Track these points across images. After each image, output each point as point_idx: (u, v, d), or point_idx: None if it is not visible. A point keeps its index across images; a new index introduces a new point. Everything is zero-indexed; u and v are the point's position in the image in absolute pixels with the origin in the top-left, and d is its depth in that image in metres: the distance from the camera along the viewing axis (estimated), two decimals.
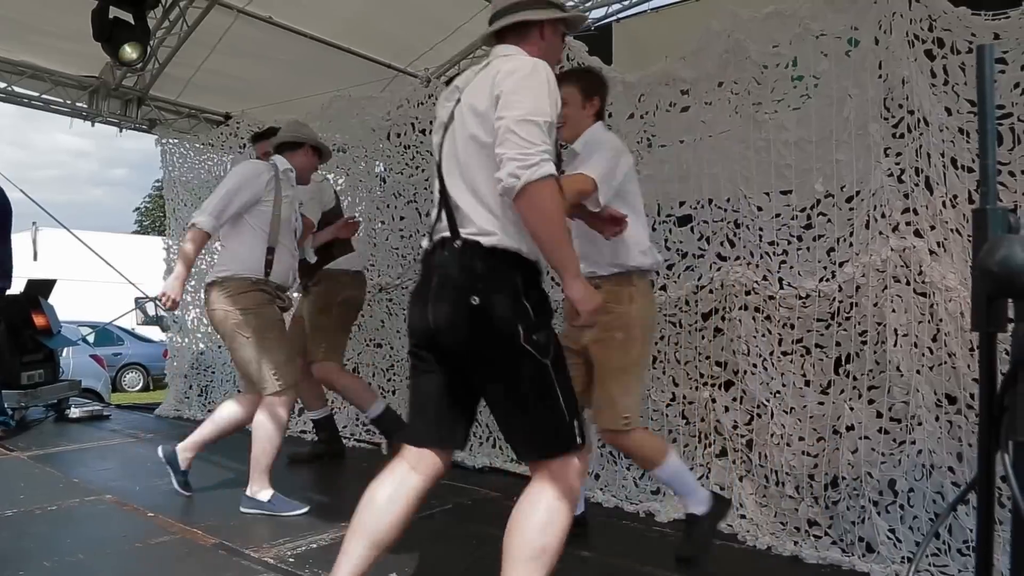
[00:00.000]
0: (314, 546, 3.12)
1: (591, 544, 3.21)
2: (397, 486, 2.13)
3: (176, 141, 6.99)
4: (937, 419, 2.91)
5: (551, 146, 1.98)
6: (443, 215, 2.12)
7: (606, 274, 2.89)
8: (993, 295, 1.18)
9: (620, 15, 6.91)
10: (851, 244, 3.13)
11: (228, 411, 3.85)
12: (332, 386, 4.74)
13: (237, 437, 5.32)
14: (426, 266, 2.16)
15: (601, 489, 3.88)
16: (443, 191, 2.14)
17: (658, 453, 2.94)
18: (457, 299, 2.01)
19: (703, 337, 3.63)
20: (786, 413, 3.28)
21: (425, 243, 2.21)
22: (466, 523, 2.91)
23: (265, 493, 3.60)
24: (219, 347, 6.58)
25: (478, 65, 2.23)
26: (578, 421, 2.09)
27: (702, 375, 3.60)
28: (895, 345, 2.97)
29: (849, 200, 3.19)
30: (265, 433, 3.63)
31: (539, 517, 2.01)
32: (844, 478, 3.09)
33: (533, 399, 2.04)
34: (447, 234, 2.08)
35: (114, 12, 5.46)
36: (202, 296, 6.61)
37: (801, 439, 3.23)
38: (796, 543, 3.13)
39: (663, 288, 3.80)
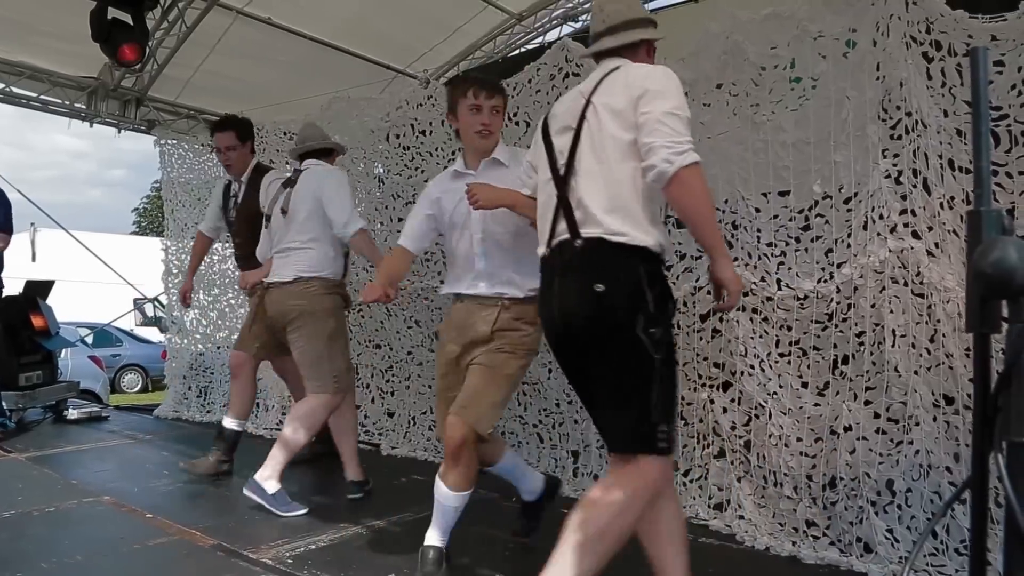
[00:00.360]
0: (313, 547, 3.13)
1: None
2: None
3: (175, 142, 6.98)
4: (935, 419, 2.91)
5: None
6: (561, 218, 2.23)
7: (522, 296, 2.84)
8: (987, 296, 1.19)
9: None
10: (849, 245, 3.14)
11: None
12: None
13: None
14: (547, 270, 2.30)
15: None
16: (561, 195, 2.24)
17: (475, 478, 2.85)
18: (582, 287, 2.11)
19: (701, 338, 3.63)
20: (784, 414, 3.28)
21: (542, 250, 2.32)
22: (466, 524, 2.91)
23: (272, 485, 3.61)
24: (217, 348, 6.59)
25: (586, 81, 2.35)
26: (669, 427, 2.10)
27: (700, 376, 3.61)
28: (893, 346, 2.97)
29: (847, 201, 3.19)
30: (298, 427, 3.69)
31: (608, 507, 2.05)
32: (842, 478, 3.09)
33: (628, 390, 2.09)
34: (567, 236, 2.20)
35: (113, 13, 5.45)
36: (202, 297, 6.70)
37: (799, 440, 3.24)
38: (794, 543, 3.13)
39: None
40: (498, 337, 2.84)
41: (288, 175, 4.12)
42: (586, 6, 7.27)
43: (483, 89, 2.90)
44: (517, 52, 7.39)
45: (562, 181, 2.25)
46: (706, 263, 3.59)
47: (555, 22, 7.45)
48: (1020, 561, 1.12)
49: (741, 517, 3.36)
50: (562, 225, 2.22)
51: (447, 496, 2.77)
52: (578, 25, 7.41)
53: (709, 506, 3.51)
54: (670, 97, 2.11)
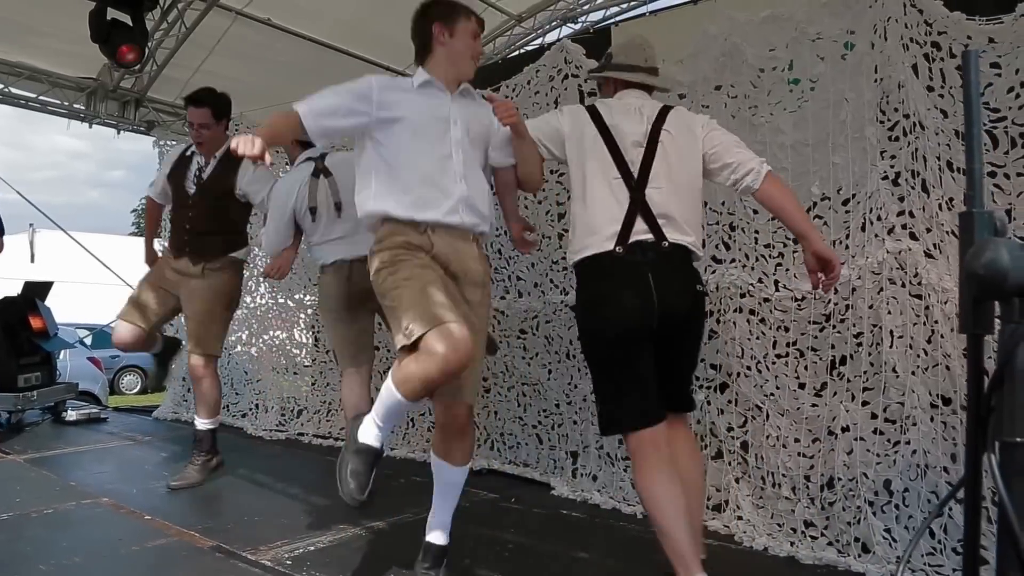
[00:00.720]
0: (312, 548, 3.12)
1: (589, 545, 3.22)
2: (672, 468, 2.49)
3: (174, 143, 6.97)
4: (932, 419, 2.92)
5: None
6: (638, 220, 2.53)
7: (486, 231, 2.80)
8: (979, 297, 1.20)
9: (618, 18, 6.94)
10: (847, 247, 3.15)
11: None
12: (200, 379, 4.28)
13: (233, 440, 5.34)
14: (628, 266, 2.51)
15: (599, 491, 3.88)
16: (638, 199, 2.55)
17: None
18: (685, 287, 2.59)
19: None
20: (781, 415, 3.29)
21: (608, 247, 2.53)
22: (465, 524, 2.91)
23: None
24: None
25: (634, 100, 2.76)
26: None
27: (697, 378, 3.61)
28: (891, 347, 2.98)
29: (845, 203, 3.21)
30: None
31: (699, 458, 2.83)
32: (840, 479, 3.10)
33: (694, 361, 2.85)
34: (650, 238, 2.52)
35: (112, 13, 5.45)
36: None
37: (797, 440, 3.25)
38: (792, 544, 3.13)
39: None
40: (486, 285, 2.72)
41: (307, 165, 3.95)
42: (585, 7, 7.28)
43: (481, 21, 2.89)
44: (517, 53, 7.40)
45: (637, 188, 2.55)
46: (704, 264, 3.61)
47: (555, 23, 7.46)
48: (1013, 560, 1.12)
49: (739, 518, 3.36)
50: (640, 226, 2.52)
51: (456, 474, 2.71)
52: (577, 26, 7.42)
53: (708, 507, 3.51)
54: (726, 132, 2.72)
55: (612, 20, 6.86)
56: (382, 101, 2.62)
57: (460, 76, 2.75)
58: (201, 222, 4.20)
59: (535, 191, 3.79)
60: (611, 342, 2.54)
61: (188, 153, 4.39)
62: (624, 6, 7.17)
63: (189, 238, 4.22)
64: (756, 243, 3.43)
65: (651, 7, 6.88)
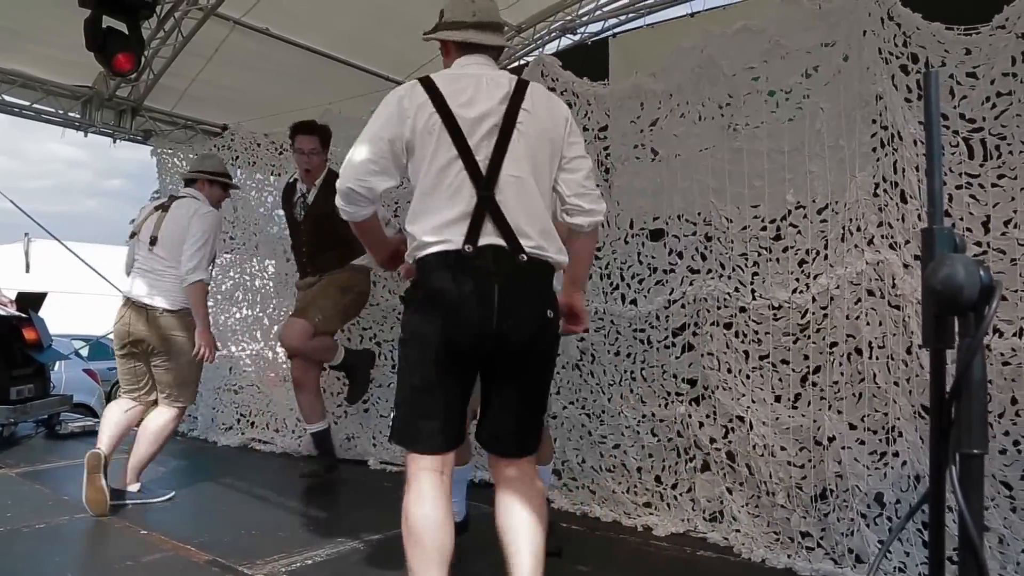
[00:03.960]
0: (309, 562, 3.10)
1: (588, 559, 3.19)
2: (443, 497, 2.15)
3: (172, 151, 6.96)
4: (916, 429, 2.92)
5: None
6: (488, 221, 2.13)
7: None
8: (939, 312, 1.23)
9: (616, 30, 6.95)
10: (826, 257, 3.17)
11: None
12: (300, 351, 4.50)
13: (230, 455, 5.29)
14: (470, 272, 2.12)
15: (599, 504, 3.84)
16: (487, 196, 2.14)
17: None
18: (534, 310, 2.18)
19: (671, 354, 3.67)
20: (764, 424, 3.30)
21: (452, 246, 2.13)
22: (463, 537, 2.88)
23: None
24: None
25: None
26: None
27: (669, 393, 3.68)
28: (871, 357, 3.00)
29: (820, 211, 3.23)
30: None
31: (543, 509, 2.27)
32: (832, 490, 3.10)
33: (542, 399, 2.36)
34: (502, 244, 2.13)
35: (107, 21, 5.42)
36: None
37: (783, 449, 3.25)
38: (789, 556, 3.13)
39: (633, 302, 3.84)
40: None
41: (162, 200, 4.34)
42: (584, 18, 7.28)
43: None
44: (516, 64, 7.40)
45: (486, 181, 2.14)
46: (680, 275, 3.64)
47: (553, 34, 7.46)
48: (972, 571, 1.15)
49: (737, 530, 3.36)
50: (489, 229, 2.13)
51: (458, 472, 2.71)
52: (576, 37, 7.43)
53: (704, 518, 3.50)
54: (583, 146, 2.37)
55: (610, 32, 6.86)
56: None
57: None
58: (314, 243, 4.60)
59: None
60: (433, 351, 2.15)
61: (291, 182, 4.87)
62: (622, 17, 7.18)
63: (307, 260, 4.67)
64: (731, 252, 3.45)
65: (649, 19, 6.90)
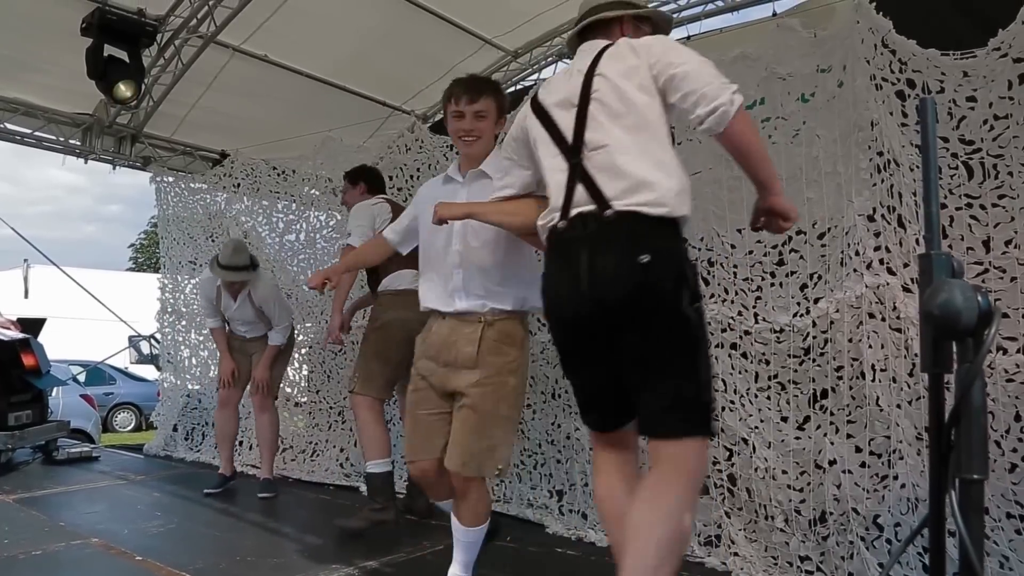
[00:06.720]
0: None
1: None
2: (612, 472, 2.23)
3: (171, 179, 6.99)
4: (919, 453, 2.91)
5: None
6: (578, 188, 2.12)
7: (508, 309, 2.72)
8: (937, 337, 1.23)
9: None
10: (826, 281, 3.18)
11: None
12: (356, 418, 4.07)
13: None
14: (565, 244, 2.13)
15: (593, 528, 3.82)
16: (576, 164, 2.15)
17: (488, 511, 2.82)
18: (621, 259, 1.99)
19: None
20: (768, 447, 3.29)
21: (553, 222, 2.17)
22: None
23: None
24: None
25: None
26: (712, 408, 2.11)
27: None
28: (874, 380, 2.99)
29: (821, 236, 3.24)
30: None
31: (671, 506, 1.94)
32: (831, 513, 3.08)
33: (680, 369, 2.01)
34: (591, 207, 2.08)
35: (109, 50, 5.48)
36: (194, 337, 6.68)
37: (784, 472, 3.24)
38: None
39: None
40: (484, 366, 2.66)
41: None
42: None
43: (465, 94, 2.77)
44: (513, 89, 7.45)
45: (573, 151, 2.16)
46: None
47: (550, 59, 7.51)
48: None
49: (735, 554, 3.33)
50: (580, 196, 2.11)
51: (461, 532, 2.79)
52: (572, 62, 7.47)
53: (700, 542, 3.46)
54: (691, 51, 2.10)
55: None
56: (418, 202, 3.02)
57: (464, 158, 2.89)
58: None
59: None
60: (557, 332, 2.24)
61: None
62: None
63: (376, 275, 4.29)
64: (735, 277, 3.46)
65: None
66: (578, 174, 2.13)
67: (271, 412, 5.09)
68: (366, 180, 4.61)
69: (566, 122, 2.20)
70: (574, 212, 2.11)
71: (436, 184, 3.02)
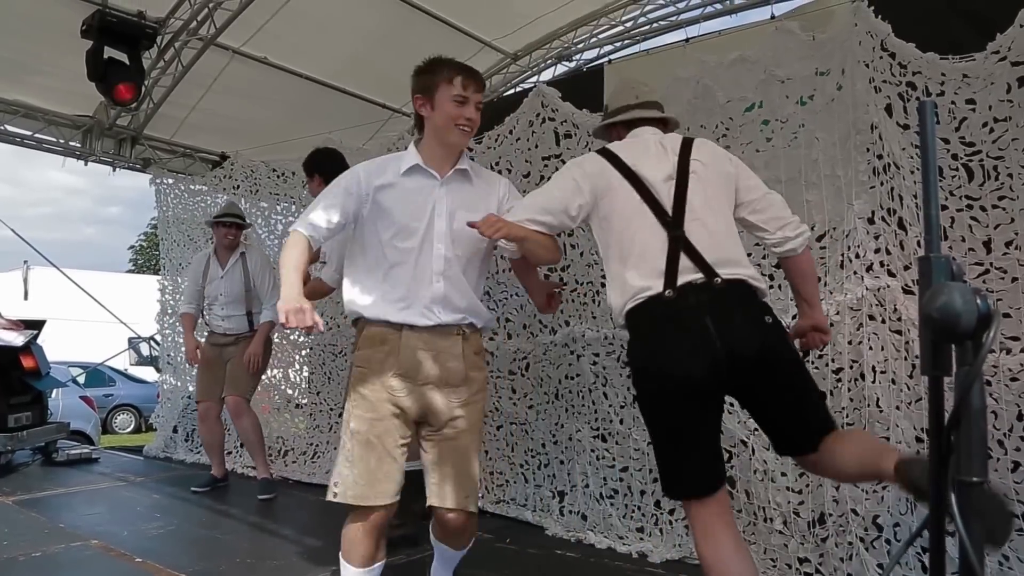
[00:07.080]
0: None
1: None
2: (736, 534, 2.23)
3: (171, 181, 7.00)
4: (919, 453, 2.90)
5: None
6: (683, 259, 2.24)
7: (480, 325, 2.59)
8: (936, 340, 1.23)
9: (612, 56, 7.01)
10: (826, 284, 3.18)
11: None
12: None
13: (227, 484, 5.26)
14: (684, 311, 2.20)
15: (592, 530, 3.83)
16: (678, 237, 2.27)
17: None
18: (752, 320, 2.22)
19: None
20: (767, 449, 3.28)
21: (655, 291, 2.23)
22: (461, 566, 2.85)
23: None
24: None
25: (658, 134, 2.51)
26: None
27: None
28: (873, 382, 3.00)
29: (820, 239, 3.25)
30: None
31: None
32: (830, 514, 3.09)
33: (813, 383, 2.34)
34: (700, 277, 2.21)
35: (109, 52, 5.50)
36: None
37: (783, 475, 3.24)
38: None
39: None
40: (470, 382, 2.50)
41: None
42: (579, 46, 7.35)
43: (473, 80, 2.48)
44: (512, 91, 7.46)
45: (675, 224, 2.27)
46: None
47: (549, 61, 7.53)
48: None
49: None
50: (686, 265, 2.23)
51: (452, 553, 2.72)
52: (572, 64, 7.50)
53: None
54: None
55: (606, 58, 6.93)
56: (368, 194, 2.47)
57: (450, 152, 2.52)
58: None
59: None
60: (670, 400, 2.18)
61: None
62: (618, 44, 7.26)
63: None
64: None
65: (645, 45, 6.97)
66: (681, 244, 2.25)
67: (247, 415, 5.04)
68: (319, 172, 4.38)
69: (665, 193, 2.31)
70: (682, 281, 2.22)
71: (389, 170, 2.52)
